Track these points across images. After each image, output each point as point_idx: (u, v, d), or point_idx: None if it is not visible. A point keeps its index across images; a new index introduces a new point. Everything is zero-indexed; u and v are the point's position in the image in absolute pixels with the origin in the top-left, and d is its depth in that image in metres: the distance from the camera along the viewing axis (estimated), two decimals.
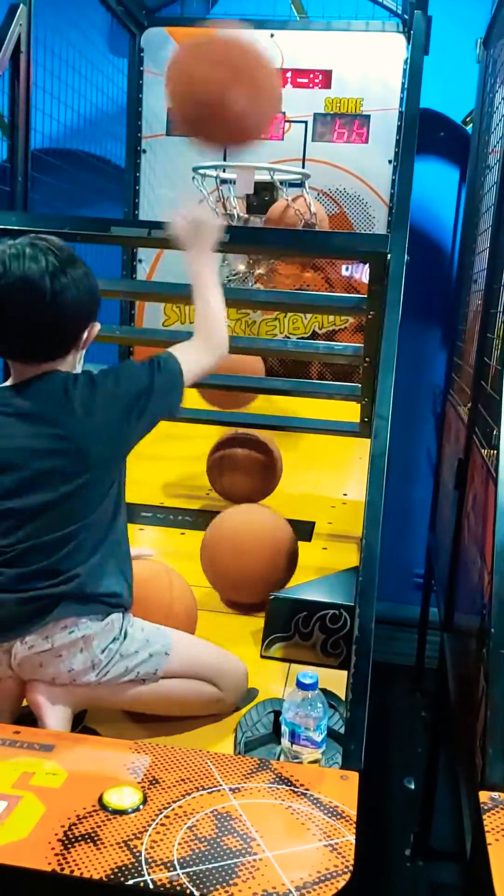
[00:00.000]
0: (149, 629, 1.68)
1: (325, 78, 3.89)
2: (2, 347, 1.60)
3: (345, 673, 2.00)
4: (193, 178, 3.49)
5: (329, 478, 3.40)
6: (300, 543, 2.80)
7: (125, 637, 1.61)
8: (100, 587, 1.57)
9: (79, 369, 1.67)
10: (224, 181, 3.50)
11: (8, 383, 1.63)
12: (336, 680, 1.92)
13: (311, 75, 3.90)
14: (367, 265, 3.83)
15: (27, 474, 1.52)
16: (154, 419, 1.65)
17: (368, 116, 3.86)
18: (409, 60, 3.00)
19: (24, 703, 1.60)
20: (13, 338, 1.56)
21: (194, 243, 1.86)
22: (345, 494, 3.29)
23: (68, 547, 1.53)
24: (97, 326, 1.67)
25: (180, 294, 2.87)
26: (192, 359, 1.72)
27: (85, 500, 1.55)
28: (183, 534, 2.91)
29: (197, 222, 1.86)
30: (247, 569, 2.32)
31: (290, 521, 3.00)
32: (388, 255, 2.03)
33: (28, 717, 1.59)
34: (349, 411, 2.94)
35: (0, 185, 2.97)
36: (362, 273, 3.96)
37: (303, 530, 2.92)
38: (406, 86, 2.82)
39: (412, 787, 3.46)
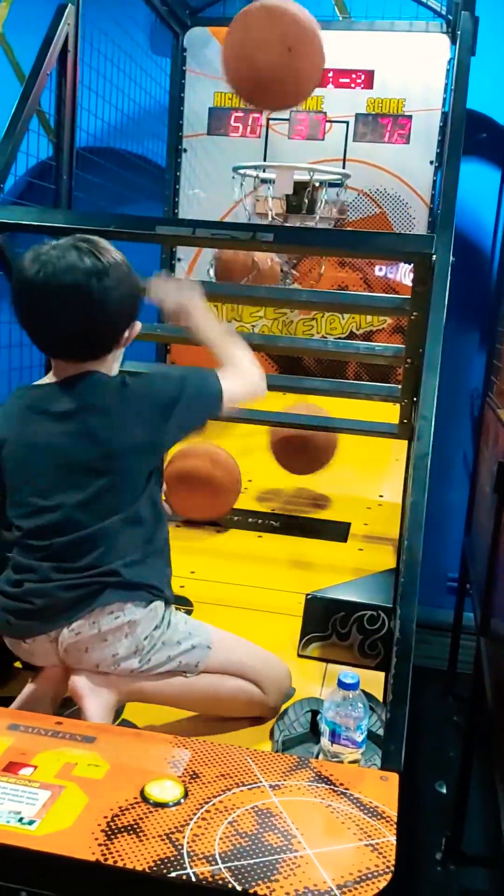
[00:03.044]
0: (192, 623, 1.69)
1: (368, 78, 3.88)
2: (46, 347, 1.63)
3: (381, 675, 2.00)
4: (233, 177, 3.51)
5: (365, 479, 3.39)
6: (336, 545, 2.80)
7: (168, 626, 1.62)
8: (143, 578, 1.58)
9: (116, 368, 1.68)
10: (263, 181, 3.51)
11: (48, 380, 1.65)
12: (373, 681, 1.92)
13: (354, 75, 3.89)
14: (403, 265, 3.87)
15: (61, 472, 1.55)
16: (185, 426, 1.67)
17: (410, 117, 3.84)
18: (454, 61, 2.97)
19: (67, 693, 1.61)
20: (57, 338, 1.59)
21: (179, 302, 1.90)
22: (381, 496, 3.28)
23: (106, 542, 1.55)
24: (138, 325, 1.68)
25: (218, 293, 2.90)
26: (231, 387, 1.72)
27: (118, 497, 1.57)
28: (219, 531, 2.92)
29: (174, 280, 1.87)
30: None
31: (326, 522, 3.01)
32: (434, 256, 2.02)
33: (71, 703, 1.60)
34: (378, 412, 2.91)
35: (43, 182, 3.00)
36: (397, 273, 3.95)
37: (339, 531, 2.91)
38: (451, 87, 2.80)
39: (444, 791, 3.44)
